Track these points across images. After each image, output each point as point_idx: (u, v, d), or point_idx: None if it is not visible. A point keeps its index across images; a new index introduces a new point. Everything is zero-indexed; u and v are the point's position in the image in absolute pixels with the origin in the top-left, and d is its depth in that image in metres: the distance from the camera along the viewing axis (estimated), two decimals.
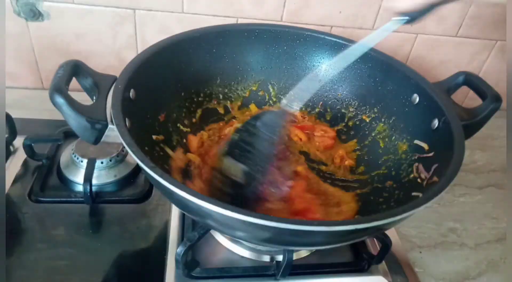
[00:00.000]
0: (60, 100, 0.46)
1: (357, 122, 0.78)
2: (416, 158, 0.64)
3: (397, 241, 0.70)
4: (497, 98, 0.62)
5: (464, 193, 0.85)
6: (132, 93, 0.57)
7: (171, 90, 0.70)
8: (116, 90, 0.53)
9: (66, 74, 0.49)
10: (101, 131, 0.50)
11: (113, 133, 0.51)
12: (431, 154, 0.61)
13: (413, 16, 0.57)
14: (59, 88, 0.47)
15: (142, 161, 0.43)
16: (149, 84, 0.62)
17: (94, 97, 0.54)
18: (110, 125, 0.50)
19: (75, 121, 0.48)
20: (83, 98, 0.53)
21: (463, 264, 0.70)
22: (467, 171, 0.91)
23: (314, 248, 0.64)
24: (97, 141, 0.51)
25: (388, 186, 0.66)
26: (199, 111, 0.76)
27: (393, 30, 0.59)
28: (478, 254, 0.72)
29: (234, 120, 0.78)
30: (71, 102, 0.47)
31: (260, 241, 0.49)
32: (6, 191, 0.68)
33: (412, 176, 0.62)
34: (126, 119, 0.51)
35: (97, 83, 0.54)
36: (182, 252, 0.53)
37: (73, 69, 0.51)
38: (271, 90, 0.82)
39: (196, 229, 0.55)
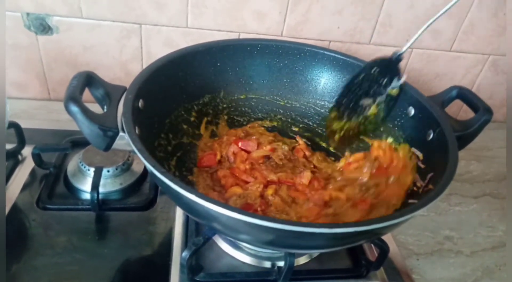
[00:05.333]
0: (74, 109, 0.48)
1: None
2: None
3: (395, 248, 0.71)
4: (489, 111, 0.64)
5: (460, 202, 0.87)
6: (141, 103, 0.59)
7: (176, 101, 0.72)
8: (126, 100, 0.55)
9: (80, 85, 0.51)
10: (113, 139, 0.52)
11: (121, 142, 0.53)
12: (424, 166, 0.63)
13: None
14: (74, 97, 0.49)
15: (153, 166, 0.45)
16: (157, 95, 0.65)
17: (105, 107, 0.56)
18: (121, 133, 0.52)
19: (88, 129, 0.50)
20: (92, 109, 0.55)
21: (460, 271, 0.72)
22: (462, 180, 0.92)
23: (314, 251, 0.65)
24: (107, 148, 0.53)
25: None
26: (203, 123, 0.78)
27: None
28: (474, 261, 0.74)
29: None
30: (85, 111, 0.49)
31: (263, 243, 0.51)
32: (15, 199, 0.70)
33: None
34: (136, 127, 0.53)
35: (108, 94, 0.56)
36: (188, 256, 0.55)
37: (86, 79, 0.53)
38: None
39: (201, 234, 0.57)
